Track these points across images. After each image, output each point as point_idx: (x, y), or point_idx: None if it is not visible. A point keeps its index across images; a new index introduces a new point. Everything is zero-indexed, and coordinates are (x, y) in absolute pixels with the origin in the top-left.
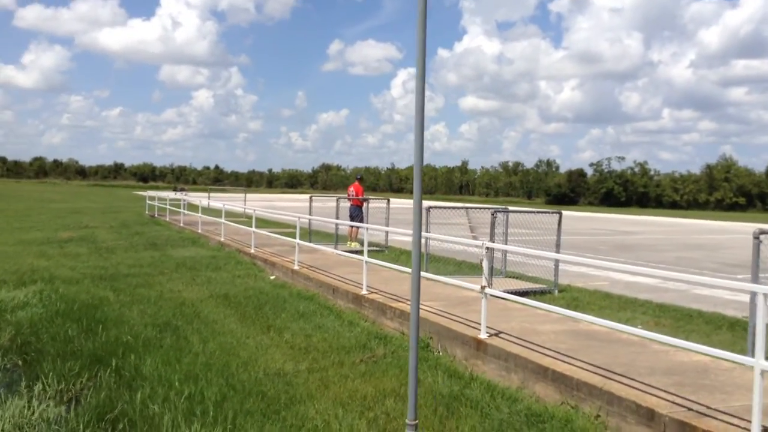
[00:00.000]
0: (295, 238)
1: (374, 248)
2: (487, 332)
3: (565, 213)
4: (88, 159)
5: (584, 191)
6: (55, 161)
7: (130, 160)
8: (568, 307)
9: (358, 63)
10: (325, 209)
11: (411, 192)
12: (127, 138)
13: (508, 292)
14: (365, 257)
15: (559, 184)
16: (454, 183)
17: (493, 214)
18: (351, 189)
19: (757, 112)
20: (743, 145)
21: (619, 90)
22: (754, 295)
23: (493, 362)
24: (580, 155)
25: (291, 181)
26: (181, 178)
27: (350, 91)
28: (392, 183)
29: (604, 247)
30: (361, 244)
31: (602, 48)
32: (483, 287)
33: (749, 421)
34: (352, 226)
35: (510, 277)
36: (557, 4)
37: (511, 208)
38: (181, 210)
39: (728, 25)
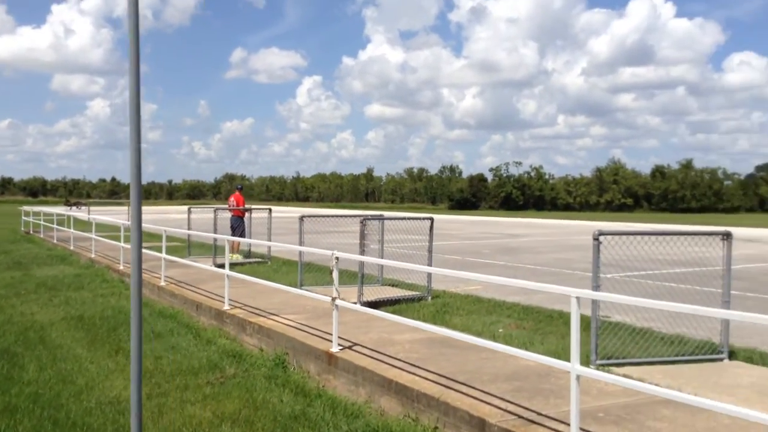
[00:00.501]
0: (181, 252)
1: (257, 260)
2: (339, 345)
3: (461, 218)
4: None
5: (485, 196)
6: None
7: (20, 174)
8: (437, 312)
9: (261, 71)
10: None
11: (316, 201)
12: (17, 151)
13: (380, 301)
14: (227, 270)
15: (461, 189)
16: (360, 190)
17: (362, 222)
18: (231, 199)
19: (644, 117)
20: (631, 149)
21: (517, 97)
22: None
23: (343, 377)
24: (482, 161)
25: (193, 192)
26: (75, 191)
27: (255, 99)
28: (298, 192)
29: (488, 250)
30: (245, 255)
31: (500, 57)
32: (333, 298)
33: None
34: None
35: (386, 284)
36: (457, 14)
37: (399, 214)
38: (54, 226)
39: (616, 34)
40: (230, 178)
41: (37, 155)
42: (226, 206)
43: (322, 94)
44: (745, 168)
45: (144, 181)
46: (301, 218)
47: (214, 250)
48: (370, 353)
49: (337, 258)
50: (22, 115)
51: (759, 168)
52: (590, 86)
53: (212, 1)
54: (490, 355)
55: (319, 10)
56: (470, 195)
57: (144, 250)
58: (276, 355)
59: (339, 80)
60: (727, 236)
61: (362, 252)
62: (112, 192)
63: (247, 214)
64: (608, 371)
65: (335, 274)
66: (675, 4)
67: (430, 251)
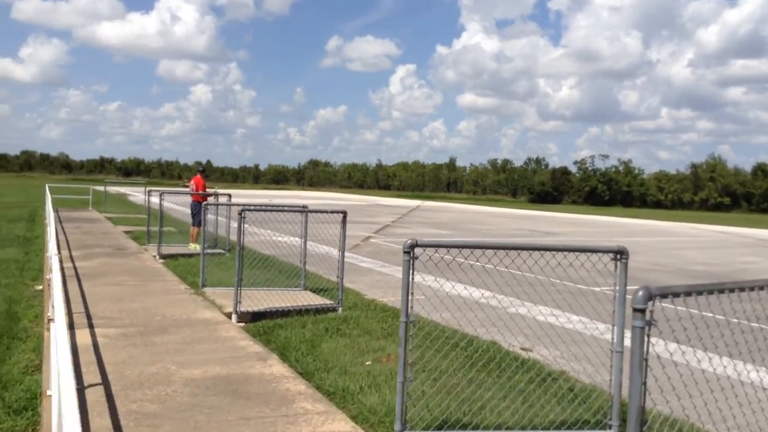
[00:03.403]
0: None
1: (219, 251)
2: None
3: (511, 211)
4: (85, 153)
5: (568, 189)
6: (42, 155)
7: (126, 154)
8: (322, 331)
9: (356, 59)
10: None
11: (398, 189)
12: (125, 133)
13: (268, 311)
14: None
15: (542, 182)
16: (442, 180)
17: (240, 213)
18: (191, 183)
19: (755, 112)
20: (741, 145)
21: (618, 88)
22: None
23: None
24: (578, 153)
25: (278, 177)
26: (167, 173)
27: (348, 87)
28: (379, 180)
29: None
30: (212, 245)
31: (601, 46)
32: (49, 320)
33: None
34: (193, 225)
35: (310, 289)
36: (556, 2)
37: (327, 203)
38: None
39: (727, 24)
40: (314, 164)
41: (144, 138)
42: (188, 189)
43: (415, 82)
44: None
45: (237, 165)
46: (241, 212)
47: (159, 238)
48: (98, 399)
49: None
50: (130, 98)
51: None
52: (697, 78)
53: None
54: (270, 413)
55: None
56: (552, 188)
57: (123, 231)
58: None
59: (432, 69)
60: (620, 255)
61: (241, 247)
62: (204, 175)
63: (210, 199)
64: None
65: (54, 283)
66: None
67: (341, 251)
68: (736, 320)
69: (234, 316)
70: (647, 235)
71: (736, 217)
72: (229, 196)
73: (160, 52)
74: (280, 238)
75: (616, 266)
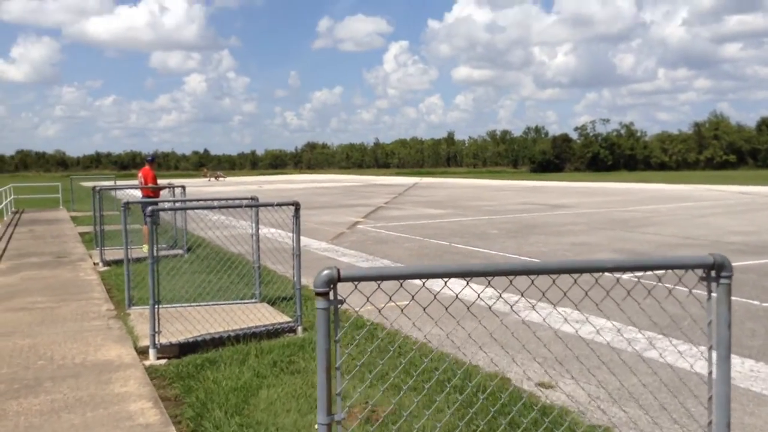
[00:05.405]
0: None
1: (178, 252)
2: None
3: (513, 183)
4: (83, 149)
5: (570, 157)
6: (37, 153)
7: (124, 148)
8: (265, 369)
9: (348, 39)
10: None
11: (397, 167)
12: (122, 127)
13: (200, 340)
14: None
15: (543, 151)
16: (441, 155)
17: (149, 215)
18: (140, 175)
19: (753, 68)
20: (740, 101)
21: (613, 52)
22: None
23: None
24: (577, 120)
25: (275, 162)
26: (163, 165)
27: (342, 67)
28: (378, 158)
29: (497, 230)
30: (170, 246)
31: (594, 10)
32: None
33: None
34: (144, 224)
35: (269, 300)
36: None
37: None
38: None
39: None
40: (311, 146)
41: (141, 130)
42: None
43: (408, 59)
44: None
45: (236, 153)
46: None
47: (101, 242)
48: None
49: None
50: (125, 92)
51: None
52: (692, 37)
53: None
54: None
55: None
56: (553, 156)
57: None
58: None
59: (425, 44)
60: (718, 272)
61: (154, 260)
62: (199, 164)
63: (163, 192)
64: None
65: None
66: None
67: (296, 255)
68: None
69: (152, 352)
70: (664, 201)
71: (746, 174)
72: (183, 188)
73: (152, 44)
74: (261, 231)
75: (709, 293)
